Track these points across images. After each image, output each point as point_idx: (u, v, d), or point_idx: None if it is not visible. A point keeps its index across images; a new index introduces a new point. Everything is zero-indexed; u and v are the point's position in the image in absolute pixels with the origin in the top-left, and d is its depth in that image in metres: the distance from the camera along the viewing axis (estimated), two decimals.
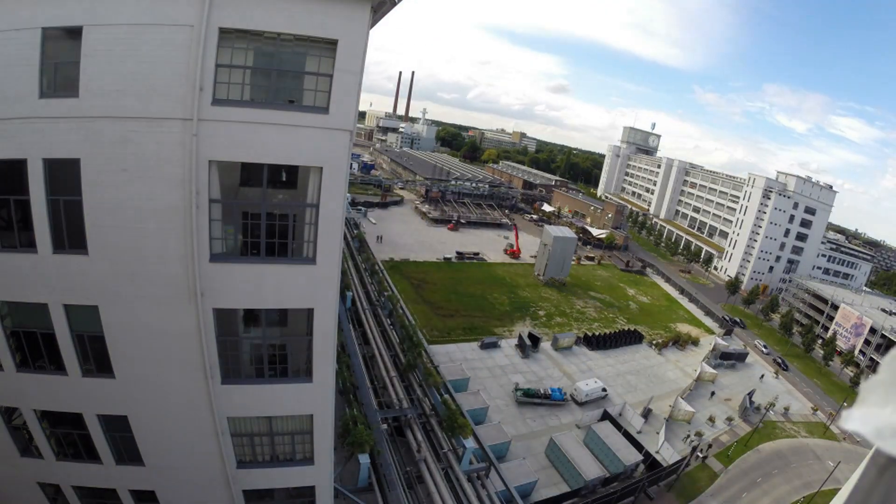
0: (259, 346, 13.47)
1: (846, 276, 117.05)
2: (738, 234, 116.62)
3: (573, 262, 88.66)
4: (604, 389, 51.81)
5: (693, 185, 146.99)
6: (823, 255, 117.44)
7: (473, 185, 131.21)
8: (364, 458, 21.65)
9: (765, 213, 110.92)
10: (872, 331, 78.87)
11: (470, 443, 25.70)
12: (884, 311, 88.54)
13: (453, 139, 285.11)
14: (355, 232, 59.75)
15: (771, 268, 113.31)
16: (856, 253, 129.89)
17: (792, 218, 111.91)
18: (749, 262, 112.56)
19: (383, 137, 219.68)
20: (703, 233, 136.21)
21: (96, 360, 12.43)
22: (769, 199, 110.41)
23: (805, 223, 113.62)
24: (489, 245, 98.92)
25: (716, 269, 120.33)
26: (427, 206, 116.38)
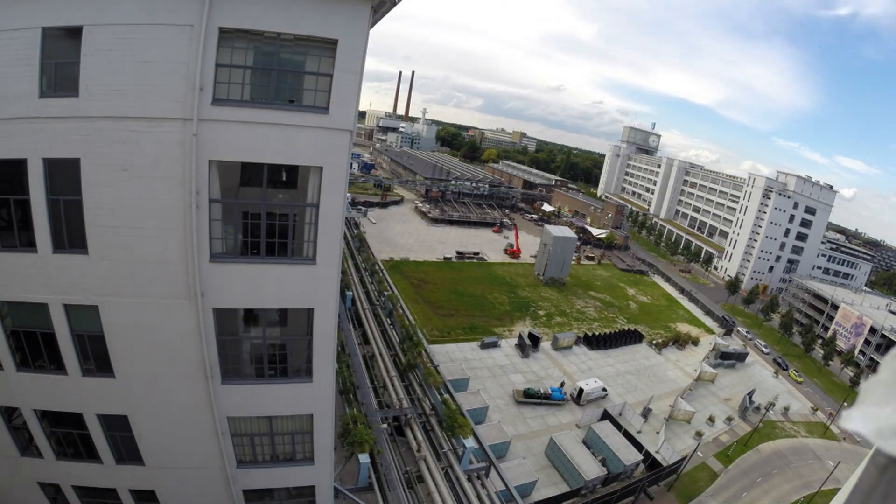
0: (259, 345, 13.47)
1: (846, 275, 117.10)
2: (738, 234, 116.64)
3: (573, 262, 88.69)
4: (604, 389, 51.83)
5: (693, 185, 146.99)
6: (823, 255, 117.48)
7: (473, 184, 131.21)
8: (364, 458, 21.59)
9: (765, 212, 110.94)
10: (872, 331, 78.90)
11: (470, 442, 25.61)
12: (892, 312, 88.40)
13: (453, 139, 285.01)
14: (355, 232, 59.71)
15: (771, 267, 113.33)
16: (856, 253, 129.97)
17: (792, 218, 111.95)
18: (749, 261, 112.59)
19: (383, 137, 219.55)
20: (703, 233, 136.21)
21: (96, 359, 12.42)
22: (769, 198, 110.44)
23: (805, 223, 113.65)
24: (489, 245, 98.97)
25: (716, 268, 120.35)
26: (427, 205, 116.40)
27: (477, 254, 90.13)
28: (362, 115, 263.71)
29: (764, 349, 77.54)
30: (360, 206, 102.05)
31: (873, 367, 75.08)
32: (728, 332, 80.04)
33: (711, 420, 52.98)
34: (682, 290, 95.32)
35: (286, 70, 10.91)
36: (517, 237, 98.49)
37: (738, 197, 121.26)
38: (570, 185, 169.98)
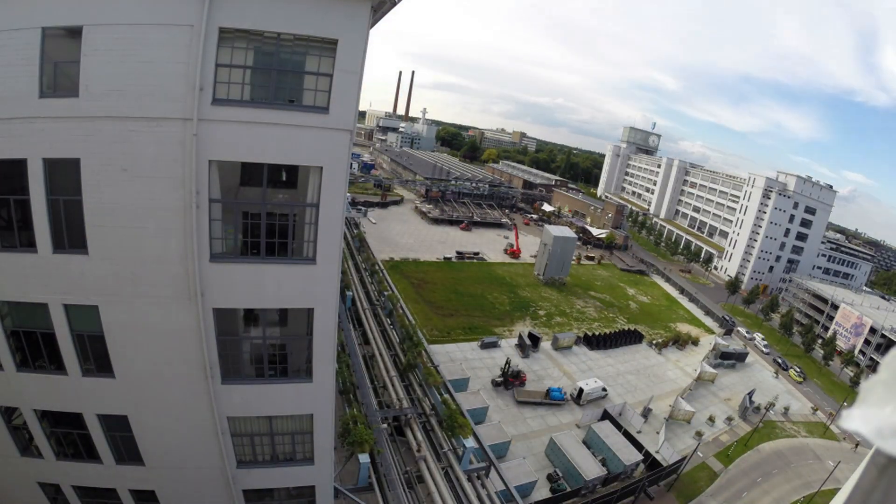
0: (259, 345, 13.47)
1: (846, 275, 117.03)
2: (738, 234, 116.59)
3: (573, 262, 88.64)
4: (604, 389, 51.82)
5: (693, 185, 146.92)
6: (823, 255, 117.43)
7: (473, 184, 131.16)
8: (364, 458, 21.59)
9: (765, 212, 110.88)
10: (872, 331, 78.88)
11: (470, 442, 25.60)
12: None
13: (453, 139, 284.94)
14: (355, 232, 59.70)
15: (771, 267, 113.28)
16: (856, 253, 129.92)
17: (792, 218, 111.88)
18: (749, 261, 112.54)
19: (383, 137, 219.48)
20: (703, 232, 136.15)
21: (96, 359, 12.43)
22: (769, 198, 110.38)
23: (805, 223, 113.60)
24: (489, 245, 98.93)
25: (716, 268, 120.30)
26: (427, 205, 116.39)
27: (477, 254, 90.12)
28: (362, 115, 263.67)
29: (764, 349, 77.51)
30: (360, 206, 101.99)
31: (873, 367, 75.07)
32: (728, 332, 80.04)
33: (711, 420, 52.95)
34: (682, 290, 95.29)
35: (286, 70, 10.91)
36: (517, 237, 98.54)
37: (738, 197, 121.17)
38: (570, 185, 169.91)
